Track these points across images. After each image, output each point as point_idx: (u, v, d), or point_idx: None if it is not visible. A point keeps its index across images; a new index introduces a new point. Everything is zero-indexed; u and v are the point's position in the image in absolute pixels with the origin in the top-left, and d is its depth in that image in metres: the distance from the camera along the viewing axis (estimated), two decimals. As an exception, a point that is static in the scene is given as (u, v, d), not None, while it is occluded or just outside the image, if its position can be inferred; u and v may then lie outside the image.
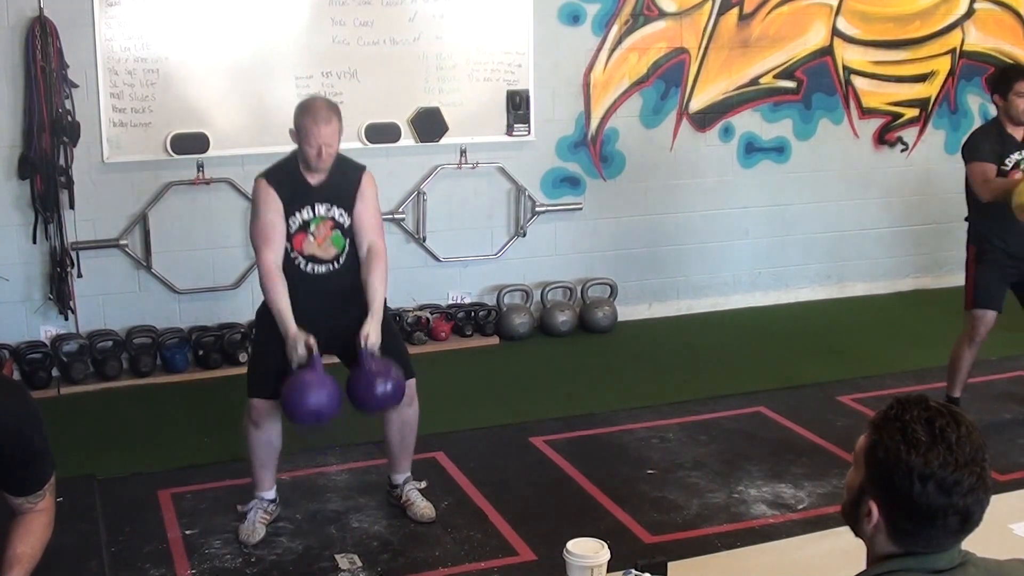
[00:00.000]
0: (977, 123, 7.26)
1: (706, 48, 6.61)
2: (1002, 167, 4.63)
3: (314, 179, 3.75)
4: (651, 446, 4.71)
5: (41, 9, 5.24)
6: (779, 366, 5.84)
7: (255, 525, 3.85)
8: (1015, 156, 4.66)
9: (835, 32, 6.89)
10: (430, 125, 6.02)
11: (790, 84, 6.86)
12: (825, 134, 7.03)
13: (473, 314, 6.30)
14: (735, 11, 6.61)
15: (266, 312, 3.79)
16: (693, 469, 4.46)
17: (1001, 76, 4.82)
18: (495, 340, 6.29)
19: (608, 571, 2.29)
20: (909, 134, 7.25)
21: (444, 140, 6.08)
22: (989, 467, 1.62)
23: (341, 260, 3.81)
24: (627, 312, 6.67)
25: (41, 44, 5.22)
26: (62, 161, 5.36)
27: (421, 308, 6.22)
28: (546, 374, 5.81)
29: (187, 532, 3.91)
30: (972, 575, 1.65)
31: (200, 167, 5.67)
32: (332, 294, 3.79)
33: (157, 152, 5.56)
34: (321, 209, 3.76)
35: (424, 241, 6.23)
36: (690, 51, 6.57)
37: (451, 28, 5.98)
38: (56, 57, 5.26)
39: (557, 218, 6.51)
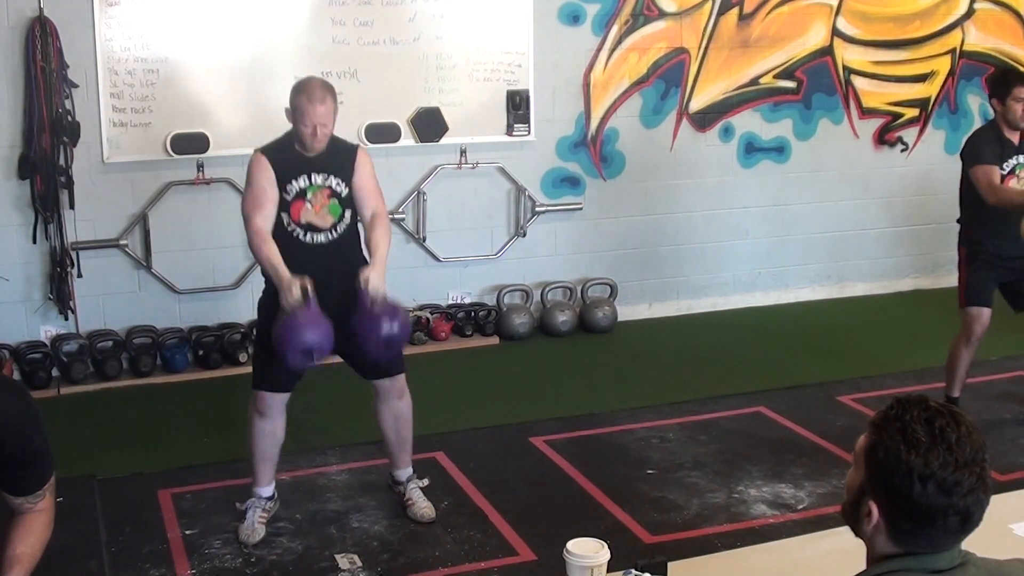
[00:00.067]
0: (977, 123, 7.27)
1: (706, 48, 6.61)
2: (1000, 171, 4.64)
3: (310, 154, 3.77)
4: (651, 446, 4.71)
5: (41, 9, 5.24)
6: (779, 366, 5.84)
7: (255, 525, 3.85)
8: (1012, 161, 4.68)
9: (835, 32, 6.89)
10: (430, 125, 6.02)
11: (790, 84, 6.86)
12: (825, 134, 7.03)
13: (473, 314, 6.30)
14: (735, 11, 6.62)
15: (267, 303, 3.79)
16: (693, 469, 4.46)
17: (1000, 80, 4.82)
18: (495, 340, 6.29)
19: (608, 571, 2.29)
20: (909, 134, 7.25)
21: (444, 140, 6.08)
22: (989, 467, 1.61)
23: (339, 229, 3.80)
24: (627, 312, 6.67)
25: (41, 44, 5.22)
26: (62, 161, 5.36)
27: (421, 308, 6.22)
28: (546, 374, 5.81)
29: (187, 532, 3.92)
30: (972, 575, 1.65)
31: (200, 167, 5.67)
32: (331, 264, 3.74)
33: (157, 152, 5.56)
34: (318, 178, 3.77)
35: (424, 241, 6.23)
36: (690, 51, 6.57)
37: (451, 28, 5.98)
38: (56, 57, 5.26)
39: (557, 218, 6.51)
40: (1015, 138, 4.68)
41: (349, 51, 5.79)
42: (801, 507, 4.11)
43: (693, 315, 6.87)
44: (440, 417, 4.94)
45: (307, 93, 3.70)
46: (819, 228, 7.16)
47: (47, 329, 5.57)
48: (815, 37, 6.85)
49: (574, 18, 6.30)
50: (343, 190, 3.80)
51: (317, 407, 4.96)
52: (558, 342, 6.33)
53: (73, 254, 5.49)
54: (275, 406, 3.84)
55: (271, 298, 3.76)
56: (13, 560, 2.41)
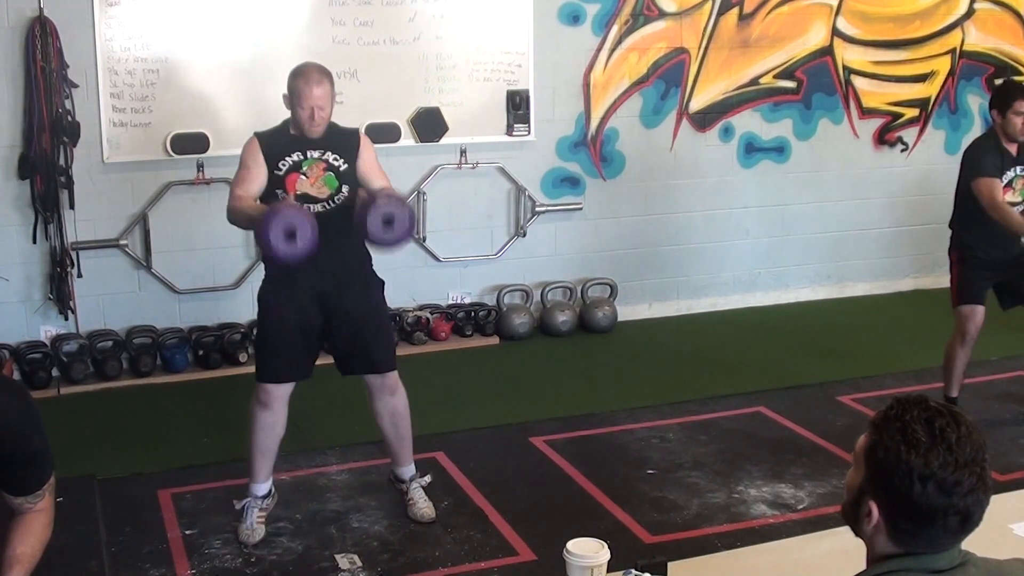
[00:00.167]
0: (977, 123, 7.28)
1: (706, 48, 6.61)
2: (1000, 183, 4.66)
3: (308, 138, 3.77)
4: (651, 446, 4.71)
5: (41, 9, 5.24)
6: (779, 366, 5.84)
7: (254, 525, 3.85)
8: (1010, 172, 4.70)
9: (835, 32, 6.89)
10: (430, 125, 6.02)
11: (790, 84, 6.86)
12: (825, 134, 7.03)
13: (473, 314, 6.30)
14: (735, 11, 6.61)
15: (267, 295, 3.80)
16: (693, 469, 4.46)
17: (1001, 93, 4.81)
18: (495, 340, 6.29)
19: (608, 571, 2.29)
20: (909, 134, 7.25)
21: (444, 140, 6.08)
22: (989, 467, 1.61)
23: (336, 201, 3.78)
24: (627, 312, 6.67)
25: (41, 44, 5.22)
26: (62, 161, 5.36)
27: (421, 308, 6.22)
28: (546, 374, 5.81)
29: (187, 532, 3.92)
30: (972, 575, 1.65)
31: (200, 167, 5.67)
32: (327, 238, 3.61)
33: (157, 152, 5.56)
34: (314, 153, 3.76)
35: (424, 241, 6.23)
36: (690, 51, 6.57)
37: (451, 28, 5.98)
38: (56, 57, 5.26)
39: (557, 218, 6.51)
40: (1013, 149, 4.70)
41: (349, 51, 5.79)
42: (801, 507, 4.11)
43: (693, 315, 6.87)
44: (440, 417, 4.94)
45: (304, 76, 3.72)
46: (819, 228, 7.16)
47: (47, 329, 5.57)
48: (815, 37, 6.85)
49: (574, 18, 6.30)
50: (341, 165, 3.78)
51: (317, 407, 4.95)
52: (558, 342, 6.33)
53: (73, 254, 5.49)
54: (278, 398, 3.83)
55: (271, 289, 3.77)
56: (13, 560, 2.41)
